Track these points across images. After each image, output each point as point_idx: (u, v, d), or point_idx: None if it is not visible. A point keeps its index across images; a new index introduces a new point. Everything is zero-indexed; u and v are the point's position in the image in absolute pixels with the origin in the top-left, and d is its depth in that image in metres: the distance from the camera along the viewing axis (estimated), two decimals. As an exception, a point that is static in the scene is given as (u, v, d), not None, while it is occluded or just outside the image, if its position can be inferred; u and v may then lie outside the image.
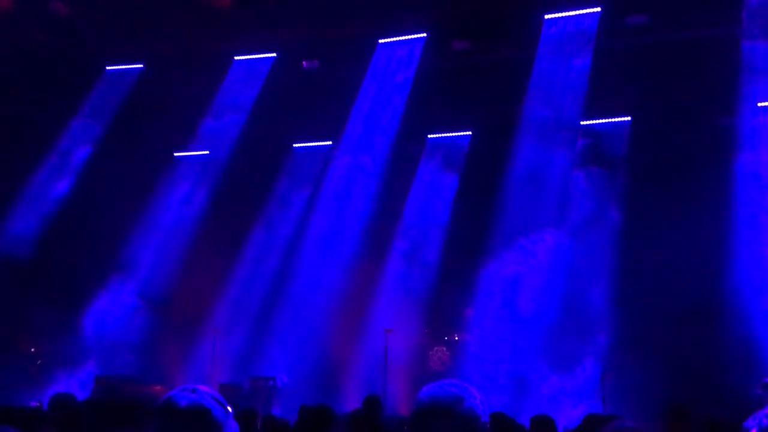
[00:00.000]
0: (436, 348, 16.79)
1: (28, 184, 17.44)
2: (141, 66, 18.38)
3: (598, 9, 15.46)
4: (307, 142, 18.94)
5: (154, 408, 3.00)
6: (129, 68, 18.40)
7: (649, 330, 14.02)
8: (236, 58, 17.99)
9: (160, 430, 2.92)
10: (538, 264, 15.45)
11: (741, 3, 14.37)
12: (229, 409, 2.96)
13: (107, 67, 18.42)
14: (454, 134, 17.89)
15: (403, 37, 16.95)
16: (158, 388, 13.32)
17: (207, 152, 18.51)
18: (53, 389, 13.08)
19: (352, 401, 13.57)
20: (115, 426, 3.99)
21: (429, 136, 18.06)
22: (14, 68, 16.75)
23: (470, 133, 17.74)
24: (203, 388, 2.98)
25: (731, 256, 13.84)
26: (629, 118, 16.32)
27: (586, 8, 15.61)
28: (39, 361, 15.17)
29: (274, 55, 17.75)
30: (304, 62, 17.49)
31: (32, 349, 15.64)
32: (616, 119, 16.35)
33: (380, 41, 17.11)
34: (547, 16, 15.90)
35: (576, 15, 15.77)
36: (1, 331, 16.49)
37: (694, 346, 13.62)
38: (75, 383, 15.33)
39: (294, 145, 19.00)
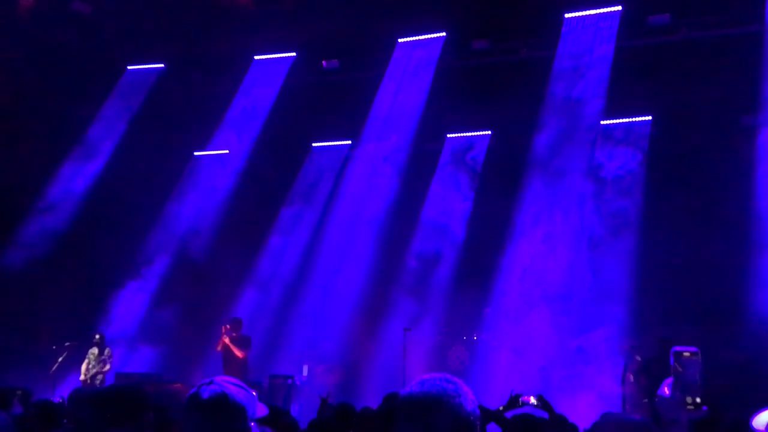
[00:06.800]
0: (454, 347, 16.76)
1: (50, 182, 17.56)
2: (162, 66, 18.51)
3: (619, 8, 15.41)
4: (326, 141, 18.95)
5: (183, 406, 3.30)
6: (150, 68, 18.52)
7: (669, 328, 13.95)
8: (256, 57, 18.08)
9: (188, 423, 3.24)
10: (557, 261, 15.40)
11: (764, 1, 14.27)
12: (254, 393, 3.17)
13: (128, 67, 18.55)
14: (473, 134, 17.84)
15: (423, 37, 16.97)
16: (178, 385, 13.31)
17: (227, 151, 18.59)
18: (74, 386, 13.17)
19: (371, 400, 13.58)
20: (112, 422, 4.08)
21: (448, 135, 18.02)
22: (35, 67, 16.84)
23: (490, 132, 17.69)
24: (221, 378, 3.29)
25: (752, 255, 13.74)
26: (650, 118, 16.22)
27: (606, 7, 15.57)
28: (60, 359, 15.24)
29: (294, 54, 17.81)
30: (323, 61, 17.55)
31: (53, 347, 15.69)
32: (637, 118, 16.25)
33: (400, 40, 17.13)
34: (567, 15, 15.87)
35: (596, 14, 15.72)
36: (23, 327, 16.62)
37: (713, 345, 13.54)
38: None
39: (313, 144, 19.02)
